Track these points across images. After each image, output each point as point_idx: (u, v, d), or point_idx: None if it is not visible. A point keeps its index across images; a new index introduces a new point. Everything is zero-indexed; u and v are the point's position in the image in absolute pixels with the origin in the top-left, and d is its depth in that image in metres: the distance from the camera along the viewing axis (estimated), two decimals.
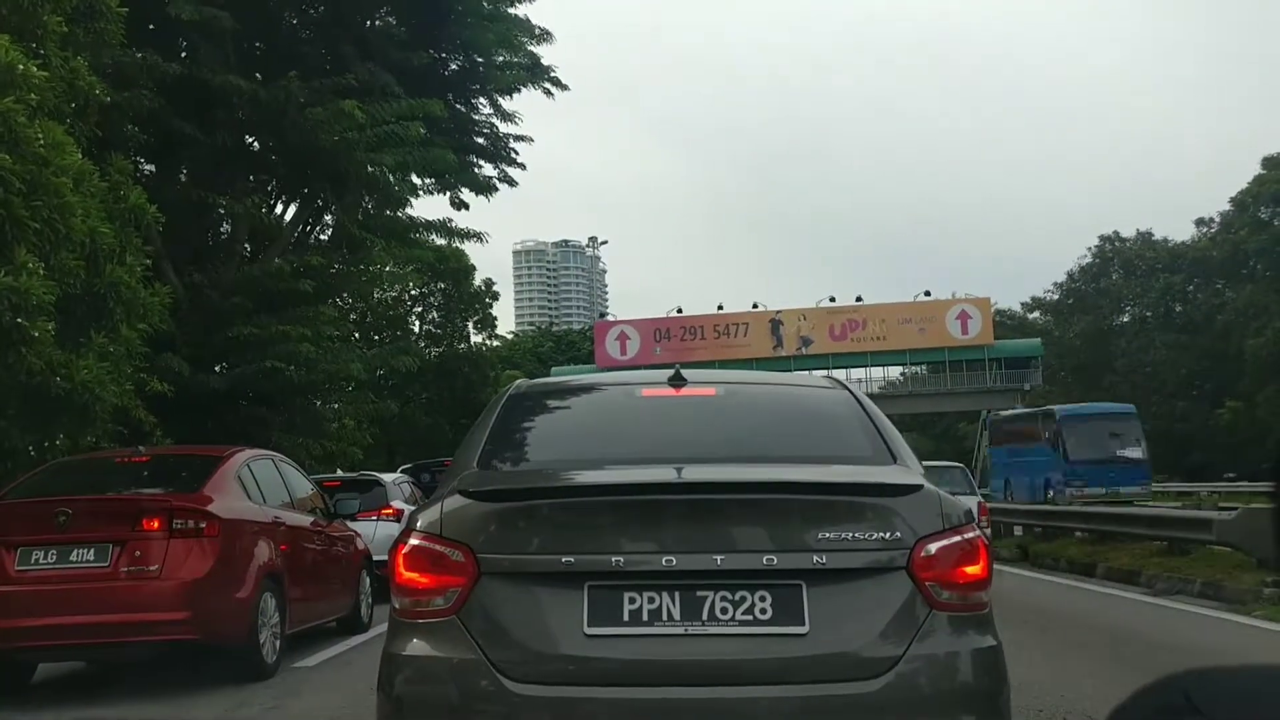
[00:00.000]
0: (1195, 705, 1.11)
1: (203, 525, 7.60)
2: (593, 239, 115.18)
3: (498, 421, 4.06)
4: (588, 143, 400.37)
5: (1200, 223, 56.82)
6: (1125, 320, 60.43)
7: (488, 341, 40.20)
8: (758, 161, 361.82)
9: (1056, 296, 64.98)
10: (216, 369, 21.36)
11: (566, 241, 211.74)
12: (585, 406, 4.74)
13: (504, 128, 28.34)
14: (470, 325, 38.89)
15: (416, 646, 3.37)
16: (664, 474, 3.56)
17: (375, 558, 10.93)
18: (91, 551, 7.42)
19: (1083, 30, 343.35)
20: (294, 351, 20.98)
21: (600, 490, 3.65)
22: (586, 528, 3.40)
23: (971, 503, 13.37)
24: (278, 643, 8.24)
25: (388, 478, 16.15)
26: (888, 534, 3.33)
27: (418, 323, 38.33)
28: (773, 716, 3.23)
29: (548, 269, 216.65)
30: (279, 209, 25.03)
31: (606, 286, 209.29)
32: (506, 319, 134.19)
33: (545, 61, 27.96)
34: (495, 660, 3.24)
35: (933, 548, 3.34)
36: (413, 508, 11.25)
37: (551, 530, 3.39)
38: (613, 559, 3.27)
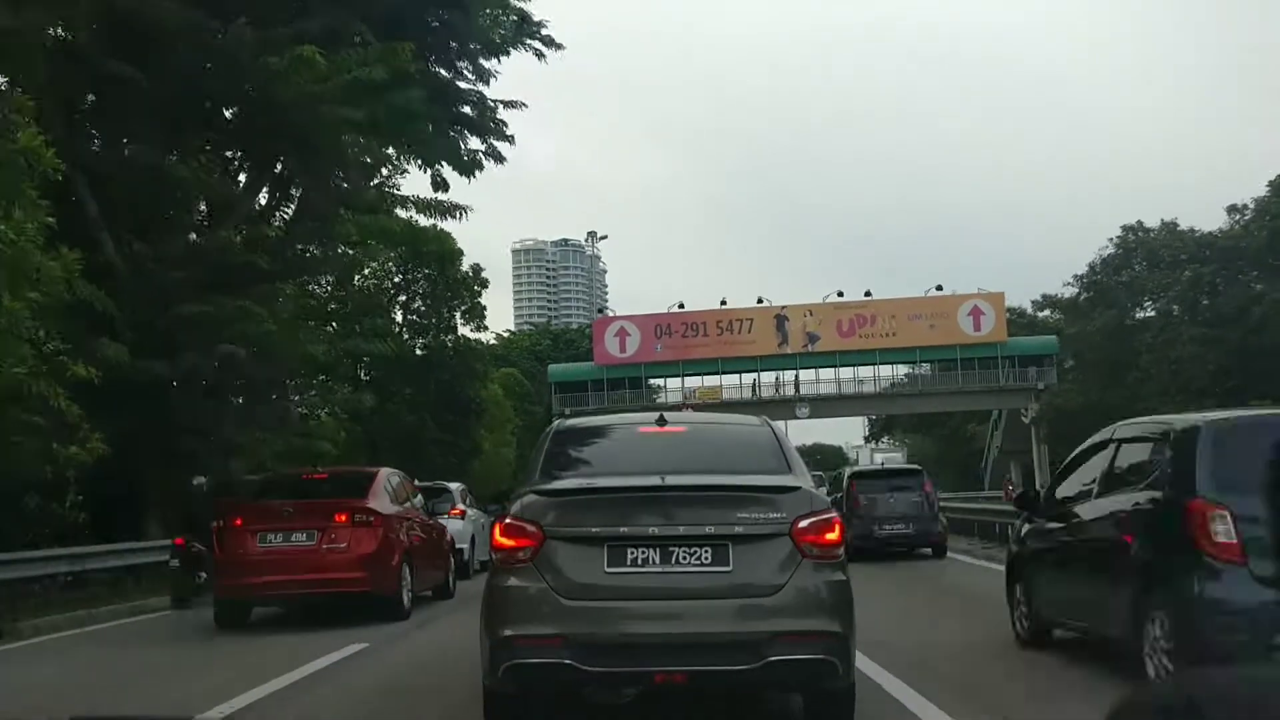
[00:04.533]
0: (1196, 705, 1.13)
1: (371, 519, 11.55)
2: (591, 234, 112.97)
3: (549, 448, 6.40)
4: (587, 143, 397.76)
5: (1232, 210, 54.09)
6: (1150, 314, 57.59)
7: (476, 333, 37.54)
8: (760, 163, 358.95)
9: (1076, 289, 62.24)
10: (165, 354, 18.81)
11: (566, 241, 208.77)
12: (602, 437, 6.90)
13: (492, 95, 25.91)
14: (458, 315, 36.15)
15: (509, 581, 5.55)
16: (652, 480, 5.78)
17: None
18: (305, 535, 11.42)
19: (1087, 29, 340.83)
20: (250, 333, 18.50)
21: (614, 490, 5.86)
22: (605, 511, 5.61)
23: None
24: (409, 597, 12.00)
25: (453, 486, 19.52)
26: (777, 515, 5.55)
27: (401, 312, 35.61)
28: (712, 615, 5.44)
29: (547, 268, 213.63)
30: (243, 179, 22.56)
31: (607, 287, 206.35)
32: (506, 319, 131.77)
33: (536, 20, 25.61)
34: (554, 587, 5.42)
35: (803, 524, 5.52)
36: (473, 510, 19.06)
37: (585, 513, 5.63)
38: (620, 529, 5.49)
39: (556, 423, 6.87)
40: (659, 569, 5.37)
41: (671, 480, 5.69)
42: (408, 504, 13.18)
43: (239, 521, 11.59)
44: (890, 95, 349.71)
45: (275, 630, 11.36)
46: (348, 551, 11.26)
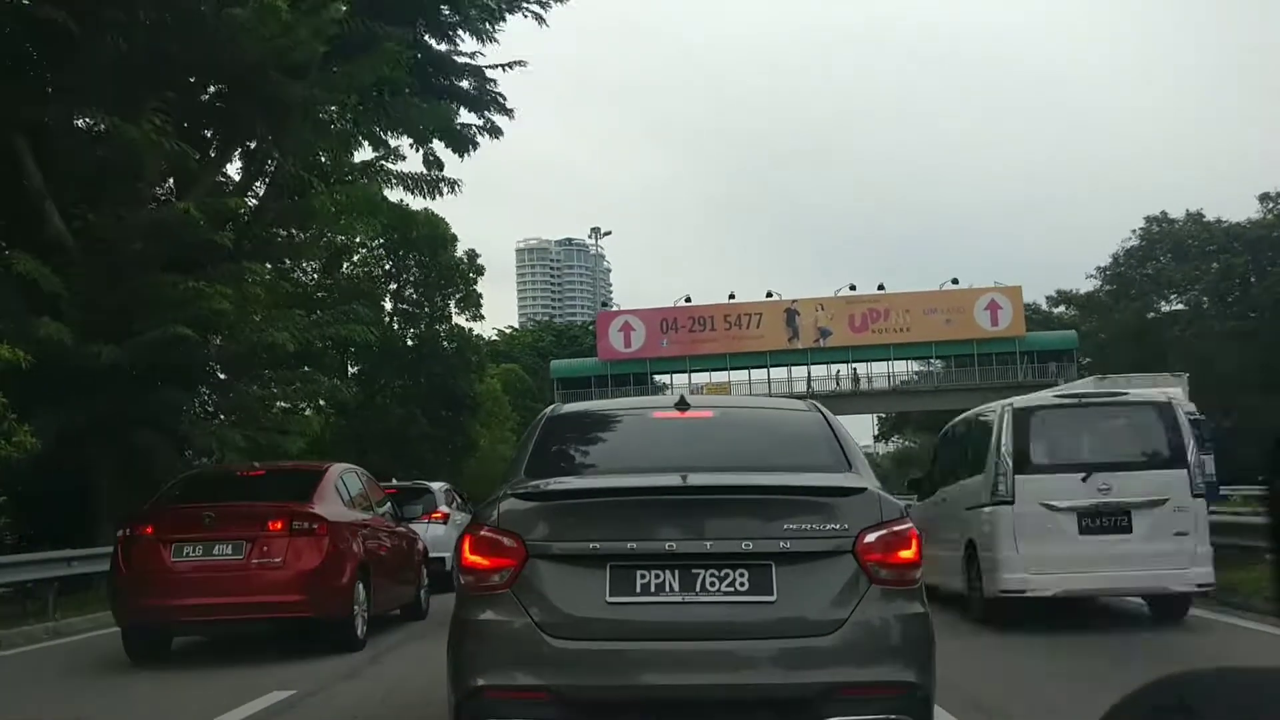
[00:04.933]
0: (1189, 706, 1.12)
1: (315, 526, 9.33)
2: (595, 229, 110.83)
3: (539, 439, 4.96)
4: (592, 142, 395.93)
5: (1265, 198, 51.83)
6: (1177, 307, 55.29)
7: (470, 324, 35.45)
8: (760, 163, 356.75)
9: (1098, 282, 60.09)
10: (113, 337, 16.82)
11: (570, 240, 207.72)
12: (607, 426, 5.52)
13: (488, 59, 24.10)
14: (451, 304, 34.11)
15: (480, 613, 4.17)
16: (670, 479, 4.35)
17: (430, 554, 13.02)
18: (230, 547, 9.16)
19: (1086, 29, 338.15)
20: (209, 314, 16.47)
21: (620, 492, 4.40)
22: (609, 521, 4.20)
23: None
24: (365, 622, 9.85)
25: (436, 486, 17.84)
26: (837, 525, 4.16)
27: (391, 300, 33.53)
28: (750, 664, 4.09)
29: (551, 267, 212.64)
30: (213, 155, 20.61)
31: (611, 286, 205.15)
32: (510, 318, 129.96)
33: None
34: (540, 623, 4.06)
35: (871, 537, 4.15)
36: (460, 513, 16.42)
37: (582, 523, 4.22)
38: (628, 544, 4.11)
39: (550, 408, 5.48)
40: (679, 598, 4.05)
41: (696, 480, 4.36)
42: (371, 509, 10.99)
43: (149, 529, 9.23)
44: (890, 95, 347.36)
45: (187, 664, 9.28)
46: (284, 567, 9.01)
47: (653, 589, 4.04)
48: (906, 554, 4.19)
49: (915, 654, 4.15)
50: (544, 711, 4.05)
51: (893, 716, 4.06)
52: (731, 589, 4.04)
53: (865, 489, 4.30)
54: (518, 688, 4.08)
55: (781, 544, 4.08)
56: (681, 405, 5.06)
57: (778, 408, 6.15)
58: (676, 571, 4.05)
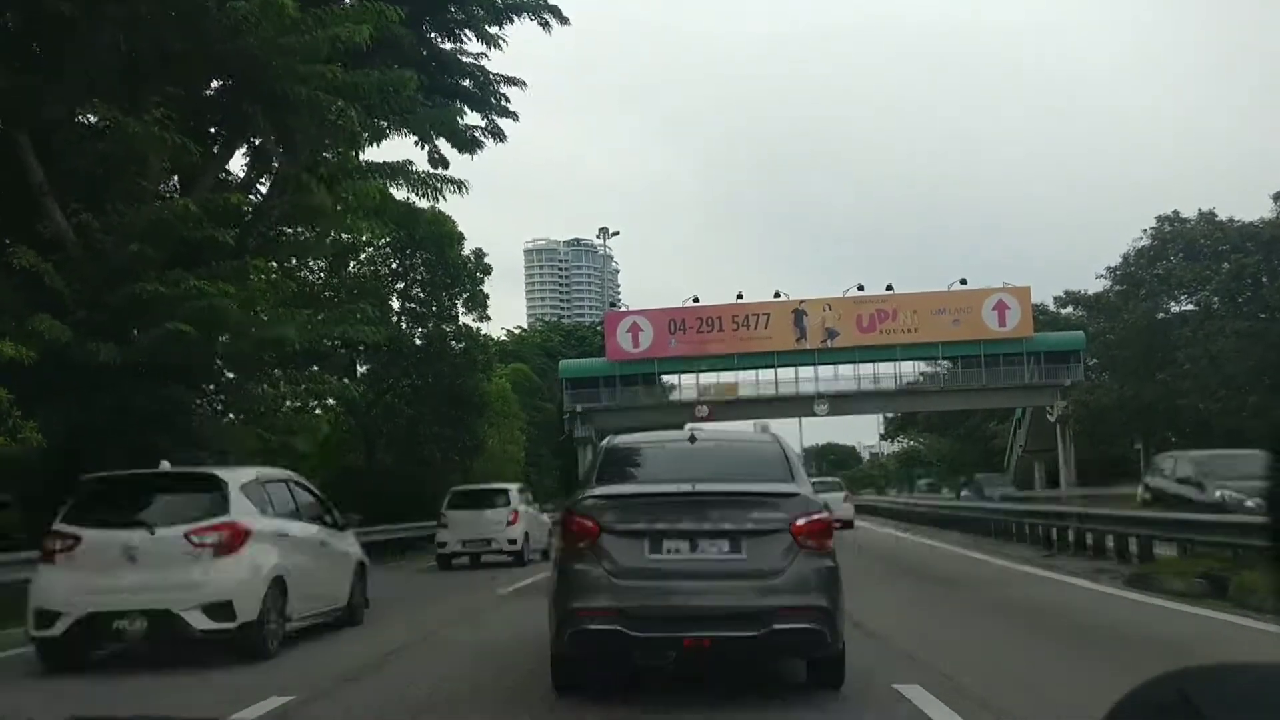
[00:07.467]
0: (1191, 703, 1.12)
1: None
2: (603, 229, 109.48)
3: (603, 460, 8.06)
4: (600, 143, 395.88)
5: (1278, 198, 51.30)
6: (1188, 308, 54.64)
7: (478, 323, 35.28)
8: (774, 163, 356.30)
9: (1108, 281, 59.45)
10: (115, 335, 16.67)
11: (578, 240, 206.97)
12: (645, 452, 8.54)
13: (493, 66, 24.00)
14: (459, 304, 33.97)
15: (575, 565, 6.98)
16: (684, 487, 7.16)
17: None
18: None
19: (1095, 25, 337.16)
20: (207, 309, 16.26)
21: (654, 495, 7.30)
22: (648, 511, 7.07)
23: None
24: None
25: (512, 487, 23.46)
26: (781, 515, 7.02)
27: (399, 299, 33.42)
28: (731, 592, 6.81)
29: (559, 268, 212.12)
30: (217, 151, 20.46)
31: (619, 287, 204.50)
32: (518, 318, 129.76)
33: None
34: (608, 569, 6.84)
35: (801, 521, 6.97)
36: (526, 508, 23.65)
37: (631, 512, 7.10)
38: (659, 525, 6.95)
39: (607, 439, 8.86)
40: (688, 556, 6.90)
41: (700, 488, 7.15)
42: None
43: None
44: (898, 94, 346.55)
45: (186, 668, 8.90)
46: None
47: (673, 551, 6.88)
48: (822, 531, 7.05)
49: (828, 589, 6.89)
50: (612, 622, 6.69)
51: (813, 626, 6.76)
52: (719, 551, 6.90)
53: (799, 493, 7.25)
54: (596, 608, 6.76)
55: (748, 525, 6.95)
56: (692, 439, 8.08)
57: (750, 440, 9.95)
58: (687, 540, 6.89)
